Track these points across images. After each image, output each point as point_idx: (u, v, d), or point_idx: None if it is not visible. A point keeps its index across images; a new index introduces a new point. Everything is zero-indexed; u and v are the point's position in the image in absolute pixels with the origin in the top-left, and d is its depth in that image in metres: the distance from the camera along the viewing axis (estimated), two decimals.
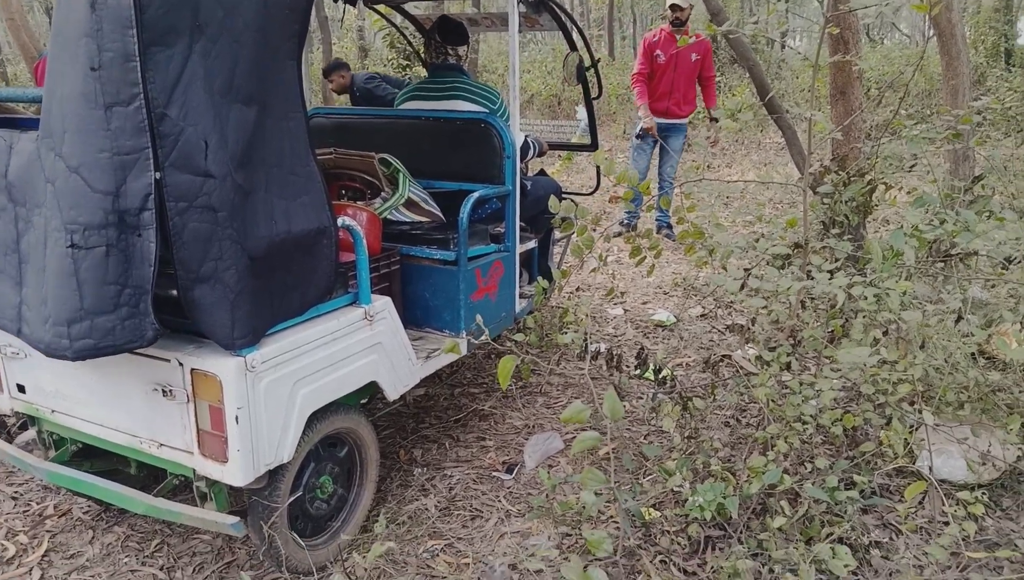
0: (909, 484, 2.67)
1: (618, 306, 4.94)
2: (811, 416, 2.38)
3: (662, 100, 6.25)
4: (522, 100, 15.27)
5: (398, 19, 4.98)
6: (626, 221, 6.58)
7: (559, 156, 6.17)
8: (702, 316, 4.72)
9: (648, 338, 4.44)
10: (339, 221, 2.27)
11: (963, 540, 2.29)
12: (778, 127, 4.69)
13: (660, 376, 3.07)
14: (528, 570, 2.36)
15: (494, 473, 3.04)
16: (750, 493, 2.25)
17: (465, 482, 2.98)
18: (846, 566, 2.06)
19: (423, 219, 3.11)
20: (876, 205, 3.18)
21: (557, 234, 4.20)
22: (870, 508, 2.56)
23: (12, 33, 9.37)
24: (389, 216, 3.02)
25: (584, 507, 2.16)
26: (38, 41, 10.01)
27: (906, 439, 2.38)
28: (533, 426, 3.42)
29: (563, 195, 3.99)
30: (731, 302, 4.74)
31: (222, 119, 1.84)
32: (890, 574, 2.29)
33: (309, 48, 19.48)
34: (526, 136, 3.58)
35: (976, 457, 2.57)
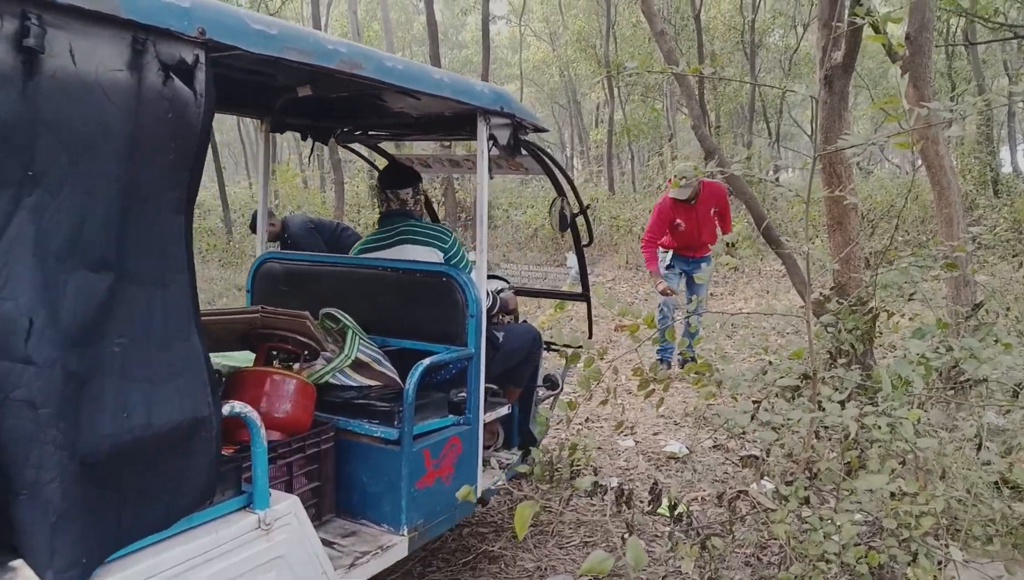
0: None
1: (629, 438, 4.86)
2: (835, 554, 2.29)
3: (688, 249, 6.32)
4: (525, 235, 15.44)
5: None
6: (660, 358, 6.36)
7: (552, 304, 5.70)
8: (715, 447, 4.63)
9: (661, 471, 4.33)
10: (226, 408, 1.86)
11: None
12: (778, 256, 4.79)
13: (676, 512, 2.98)
14: None
15: None
16: None
17: None
18: None
19: (374, 382, 2.74)
20: (880, 333, 3.21)
21: (542, 392, 3.75)
22: None
23: None
24: (332, 380, 2.66)
25: None
26: None
27: (935, 577, 2.27)
28: (545, 568, 3.28)
29: (546, 346, 3.62)
30: (743, 433, 4.67)
31: (56, 290, 1.48)
32: None
33: (323, 190, 19.42)
34: (488, 290, 3.13)
35: None
